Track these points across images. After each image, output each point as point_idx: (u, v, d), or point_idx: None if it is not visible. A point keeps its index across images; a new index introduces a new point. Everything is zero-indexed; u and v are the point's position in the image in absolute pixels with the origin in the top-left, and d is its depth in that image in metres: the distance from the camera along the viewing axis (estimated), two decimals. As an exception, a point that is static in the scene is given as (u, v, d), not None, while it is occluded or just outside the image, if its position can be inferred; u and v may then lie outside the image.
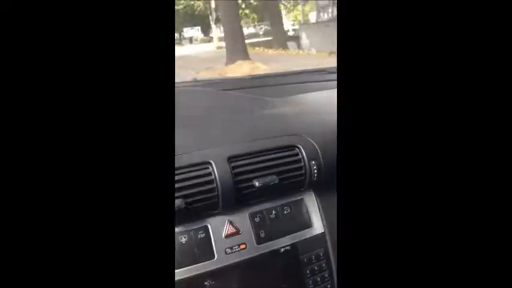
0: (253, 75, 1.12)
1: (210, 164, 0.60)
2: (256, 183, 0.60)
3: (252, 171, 0.62)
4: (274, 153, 0.64)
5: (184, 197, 0.57)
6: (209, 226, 0.61)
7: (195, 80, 1.06)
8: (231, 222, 0.62)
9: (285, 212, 0.66)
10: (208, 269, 0.59)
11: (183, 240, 0.59)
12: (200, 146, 0.62)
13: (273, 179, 0.61)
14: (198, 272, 0.58)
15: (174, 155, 0.56)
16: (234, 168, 0.61)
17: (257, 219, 0.64)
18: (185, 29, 18.42)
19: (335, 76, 1.12)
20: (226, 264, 0.60)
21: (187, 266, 0.58)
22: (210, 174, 0.59)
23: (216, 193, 0.59)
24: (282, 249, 0.64)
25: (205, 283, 0.58)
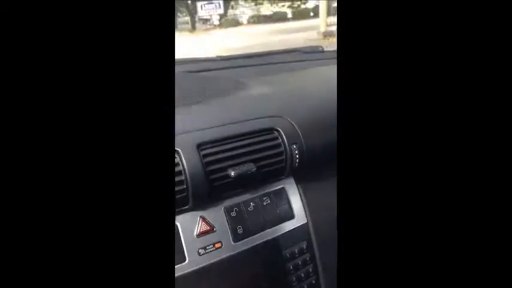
0: (222, 56, 1.03)
1: (177, 152, 0.52)
2: (232, 173, 0.53)
3: (226, 159, 0.54)
4: (251, 138, 0.57)
5: None
6: (178, 224, 0.53)
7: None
8: (203, 219, 0.55)
9: (265, 204, 0.60)
10: (179, 274, 0.51)
11: None
12: None
13: (250, 168, 0.54)
14: None
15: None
16: (204, 156, 0.53)
17: (233, 214, 0.57)
18: (200, 4, 11.19)
19: (309, 56, 1.06)
20: (199, 266, 0.52)
21: None
22: (177, 164, 0.51)
23: (184, 186, 0.51)
24: (262, 245, 0.57)
25: None
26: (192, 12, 12.98)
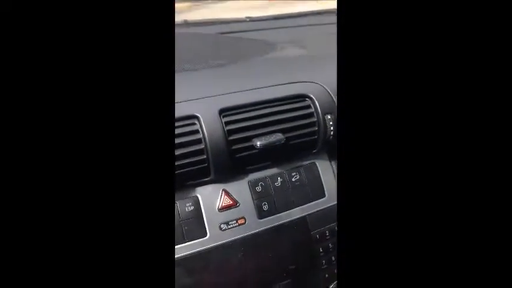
0: (252, 17, 0.94)
1: (197, 118, 0.47)
2: (258, 143, 0.48)
3: (252, 128, 0.49)
4: (280, 105, 0.51)
5: None
6: (199, 197, 0.50)
7: (185, 22, 0.89)
8: (226, 192, 0.51)
9: (293, 180, 0.54)
10: (199, 249, 0.48)
11: None
12: (185, 96, 0.48)
13: (279, 138, 0.49)
14: (187, 253, 0.47)
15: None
16: (227, 124, 0.48)
17: (259, 189, 0.52)
18: None
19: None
20: (220, 243, 0.49)
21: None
22: (197, 131, 0.47)
23: (205, 156, 0.47)
24: (289, 224, 0.53)
25: (196, 266, 0.47)
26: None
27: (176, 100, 0.48)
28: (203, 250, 0.48)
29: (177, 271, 0.46)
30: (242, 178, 0.52)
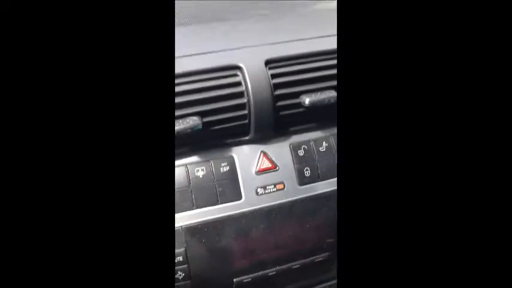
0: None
1: (240, 69, 0.42)
2: (306, 100, 0.43)
3: (300, 83, 0.44)
4: (332, 58, 0.46)
5: (203, 114, 0.41)
6: (235, 157, 0.46)
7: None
8: (265, 154, 0.47)
9: None
10: (233, 213, 0.44)
11: (200, 173, 0.44)
12: (227, 44, 0.44)
13: (330, 96, 0.44)
14: (219, 216, 0.44)
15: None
16: (273, 77, 0.43)
17: (301, 152, 0.47)
18: None
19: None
20: (256, 207, 0.45)
21: (205, 206, 0.43)
22: (239, 84, 0.42)
23: (246, 111, 0.42)
24: (332, 194, 0.48)
25: (228, 230, 0.44)
26: None
27: (216, 49, 0.43)
28: (237, 214, 0.44)
29: (208, 234, 0.43)
30: (283, 140, 0.47)
